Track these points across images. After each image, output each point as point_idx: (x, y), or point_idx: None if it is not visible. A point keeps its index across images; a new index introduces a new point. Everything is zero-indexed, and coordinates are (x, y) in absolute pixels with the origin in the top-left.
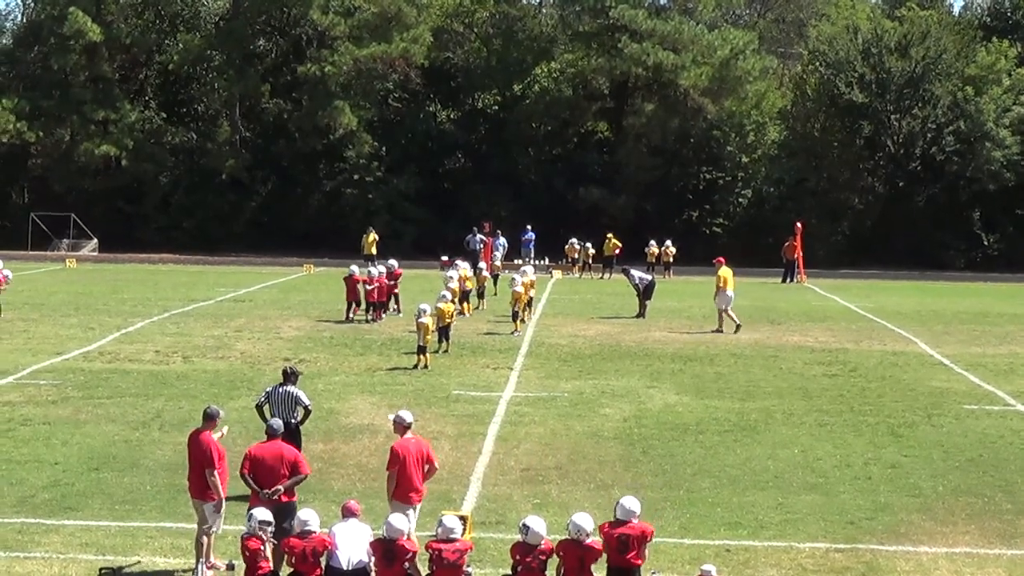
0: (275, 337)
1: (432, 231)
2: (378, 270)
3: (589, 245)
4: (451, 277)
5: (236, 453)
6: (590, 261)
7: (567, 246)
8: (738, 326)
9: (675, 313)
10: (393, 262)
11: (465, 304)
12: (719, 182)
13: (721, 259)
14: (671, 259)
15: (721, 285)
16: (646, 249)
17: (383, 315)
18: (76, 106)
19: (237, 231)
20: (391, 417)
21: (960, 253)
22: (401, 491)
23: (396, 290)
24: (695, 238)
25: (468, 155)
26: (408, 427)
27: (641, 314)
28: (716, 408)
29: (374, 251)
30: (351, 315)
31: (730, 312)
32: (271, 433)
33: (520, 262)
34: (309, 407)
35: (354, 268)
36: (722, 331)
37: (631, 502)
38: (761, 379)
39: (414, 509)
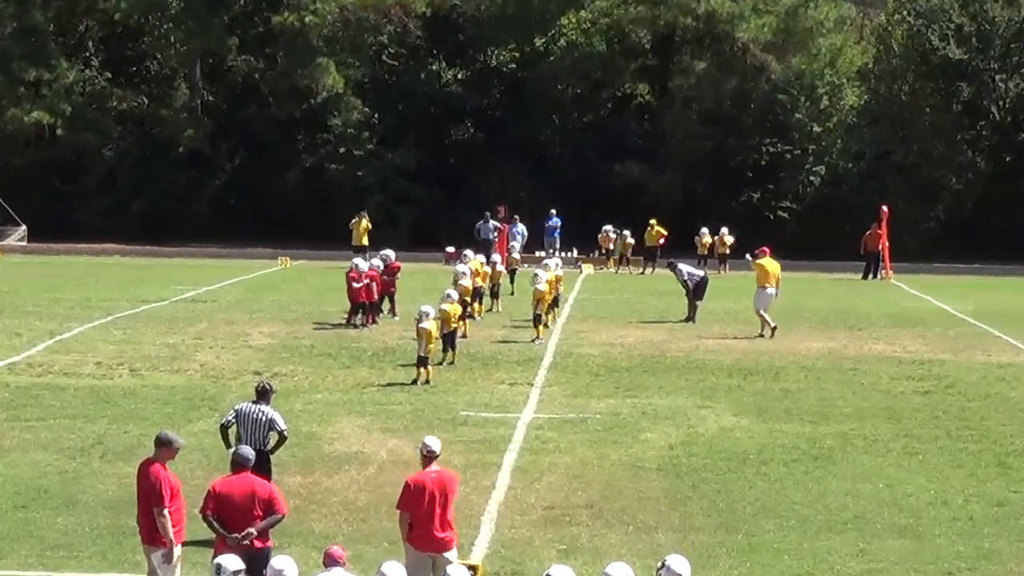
0: (243, 346)
1: (435, 216)
2: (371, 263)
3: (627, 233)
4: (462, 273)
5: (195, 488)
6: (628, 253)
7: (600, 235)
8: (773, 329)
9: (732, 316)
10: (389, 253)
11: (475, 305)
12: (785, 156)
13: (765, 249)
14: (727, 250)
15: (762, 282)
16: (696, 238)
17: (376, 319)
18: (1, 64)
19: (198, 215)
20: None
21: None
22: (418, 536)
23: (392, 288)
24: (756, 225)
25: (479, 123)
26: (433, 457)
27: (691, 317)
28: (782, 433)
29: (365, 241)
30: (362, 320)
31: (763, 313)
32: (239, 463)
33: (543, 254)
34: (285, 432)
35: (357, 262)
36: (764, 336)
37: (679, 564)
38: (837, 397)
39: (444, 557)
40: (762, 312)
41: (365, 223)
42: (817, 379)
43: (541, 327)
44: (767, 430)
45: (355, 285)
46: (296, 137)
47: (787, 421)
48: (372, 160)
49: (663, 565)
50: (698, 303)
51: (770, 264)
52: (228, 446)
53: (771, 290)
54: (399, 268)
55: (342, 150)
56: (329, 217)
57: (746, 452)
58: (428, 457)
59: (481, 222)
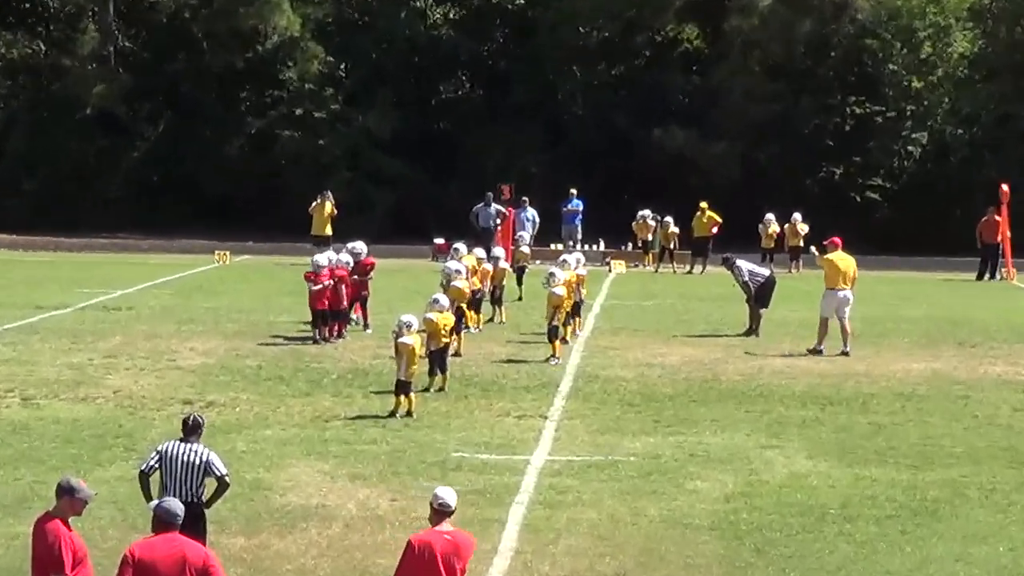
0: (169, 367)
1: (420, 198)
2: (336, 259)
3: (670, 220)
4: (456, 272)
5: (108, 552)
6: (672, 246)
7: (635, 222)
8: (818, 351)
9: (807, 328)
10: (360, 246)
11: (471, 314)
12: (876, 120)
13: (836, 240)
14: (800, 242)
15: (832, 283)
16: (760, 227)
17: (344, 331)
18: None
19: (110, 198)
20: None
21: None
22: None
23: (365, 291)
24: (838, 209)
25: (477, 77)
26: (446, 513)
27: (753, 329)
28: (872, 481)
29: (329, 230)
30: (324, 333)
31: (844, 322)
32: (164, 521)
33: (560, 247)
34: (225, 478)
35: (318, 258)
36: (821, 351)
37: None
38: (944, 434)
39: None
40: (839, 322)
41: (328, 207)
42: (918, 410)
43: (558, 343)
44: (852, 477)
45: (315, 288)
46: (238, 95)
47: (879, 465)
48: (338, 125)
49: None
50: (763, 311)
51: (842, 260)
52: (149, 499)
53: (844, 293)
54: (373, 265)
55: (298, 112)
56: (281, 199)
57: (825, 506)
58: (440, 512)
59: (480, 206)
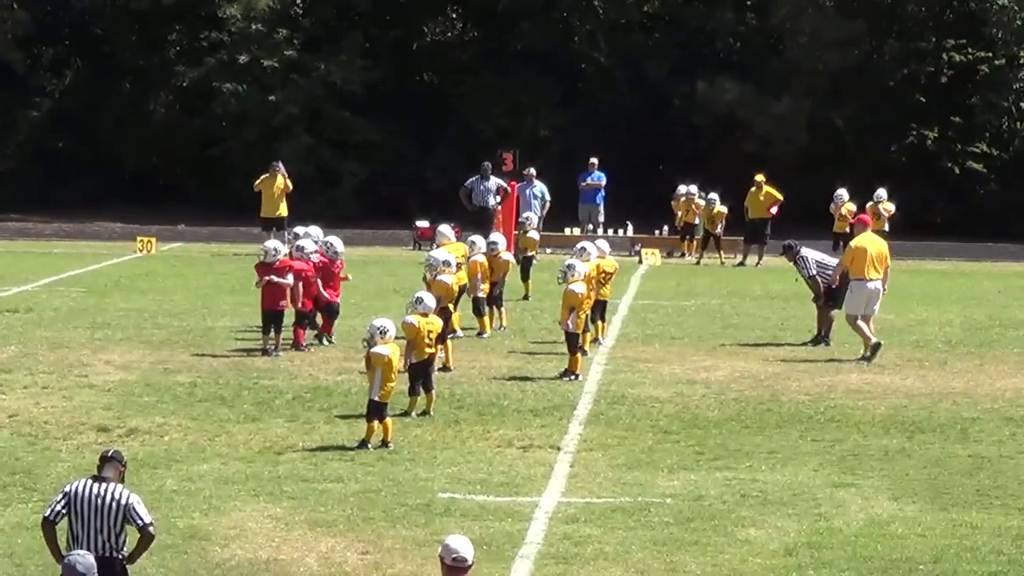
0: (80, 384)
1: (397, 169)
2: (297, 247)
3: (715, 198)
4: (443, 263)
5: None
6: (719, 230)
7: (674, 200)
8: (874, 349)
9: (891, 334)
10: (334, 241)
11: (460, 315)
12: (980, 69)
13: (865, 218)
14: (884, 225)
15: (859, 272)
16: (832, 206)
17: (302, 340)
18: None
19: (1, 170)
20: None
21: None
22: None
23: (335, 291)
24: (932, 183)
25: (471, 15)
26: (463, 569)
27: (823, 337)
28: (973, 528)
29: (283, 210)
30: (276, 343)
31: (861, 325)
32: None
33: (577, 232)
34: (149, 528)
35: (270, 245)
36: (873, 354)
37: None
38: None
39: None
40: (860, 324)
41: (280, 181)
42: None
43: (577, 354)
44: (948, 523)
45: (267, 283)
46: (166, 38)
47: (981, 509)
48: (293, 76)
49: None
50: (834, 312)
51: (872, 243)
52: (56, 552)
53: (875, 284)
54: (339, 262)
55: (243, 59)
56: (221, 171)
57: (914, 559)
58: (455, 569)
59: (475, 179)
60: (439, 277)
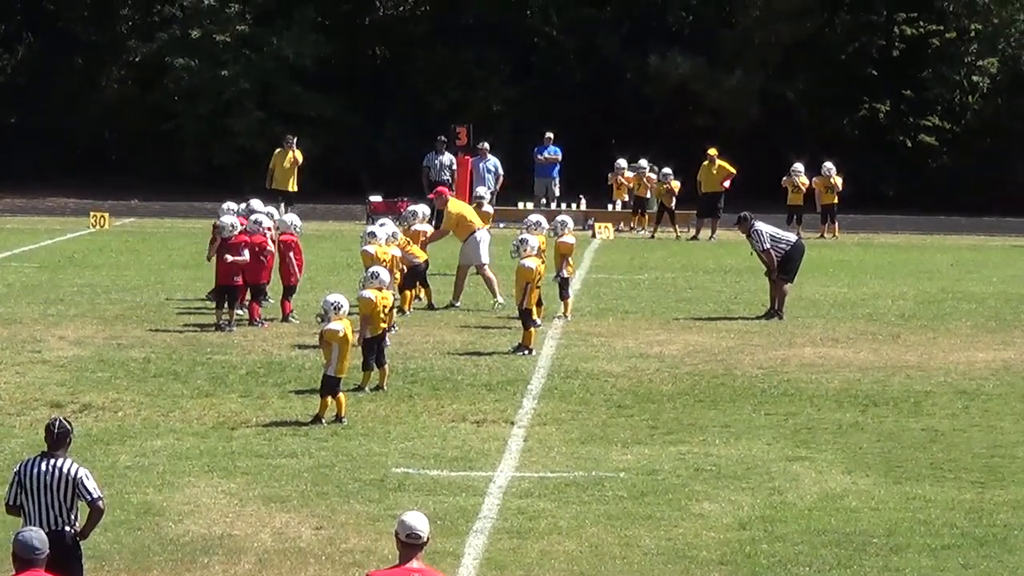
0: (33, 360)
1: (349, 143)
2: (255, 220)
3: (669, 172)
4: (390, 236)
5: None
6: (672, 204)
7: (624, 173)
8: (774, 311)
9: (844, 308)
10: (292, 219)
11: (410, 292)
12: (930, 44)
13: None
14: (835, 199)
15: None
16: (785, 180)
17: (259, 314)
18: None
19: None
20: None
21: None
22: None
23: (296, 264)
24: (883, 156)
25: None
26: (417, 546)
27: (776, 311)
28: (926, 501)
29: (293, 185)
30: (231, 317)
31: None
32: (24, 559)
33: (531, 206)
34: (98, 502)
35: (229, 221)
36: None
37: None
38: (1017, 442)
39: None
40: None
41: (291, 156)
42: (984, 412)
43: (531, 329)
44: (901, 496)
45: (233, 259)
46: (118, 13)
47: (935, 482)
48: (245, 51)
49: None
50: (787, 286)
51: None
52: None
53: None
54: (293, 237)
55: (195, 33)
56: (174, 146)
57: (867, 533)
58: (409, 545)
59: (430, 154)
60: (363, 247)
